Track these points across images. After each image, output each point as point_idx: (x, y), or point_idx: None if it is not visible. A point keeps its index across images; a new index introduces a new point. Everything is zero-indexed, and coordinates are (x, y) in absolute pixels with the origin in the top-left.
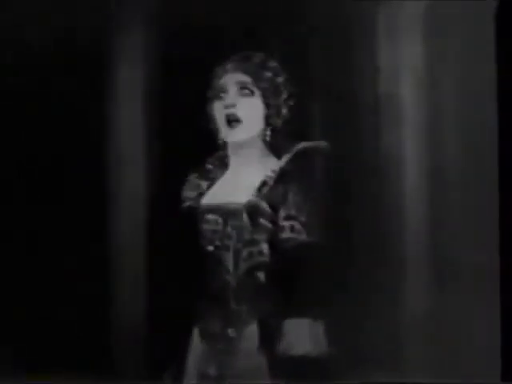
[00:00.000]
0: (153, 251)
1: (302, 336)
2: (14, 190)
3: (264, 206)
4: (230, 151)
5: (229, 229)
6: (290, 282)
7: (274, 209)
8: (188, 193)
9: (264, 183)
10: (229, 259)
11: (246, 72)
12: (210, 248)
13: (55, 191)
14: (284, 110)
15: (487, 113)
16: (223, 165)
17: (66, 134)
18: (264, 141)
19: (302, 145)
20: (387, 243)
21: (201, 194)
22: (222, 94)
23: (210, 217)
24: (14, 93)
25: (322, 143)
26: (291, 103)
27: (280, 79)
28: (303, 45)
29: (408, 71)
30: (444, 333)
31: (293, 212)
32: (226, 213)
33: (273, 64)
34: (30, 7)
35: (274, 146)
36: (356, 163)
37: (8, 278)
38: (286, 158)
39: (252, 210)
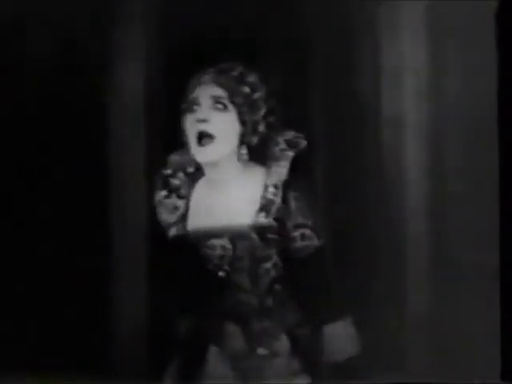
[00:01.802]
0: (153, 268)
1: (344, 339)
2: (14, 190)
3: (271, 221)
4: (204, 168)
5: (239, 251)
6: (311, 288)
7: (279, 221)
8: (166, 216)
9: (270, 201)
10: (244, 280)
11: (220, 85)
12: (221, 273)
13: (55, 197)
14: (261, 127)
15: (488, 113)
16: (191, 180)
17: (65, 138)
18: (241, 159)
19: (294, 151)
20: (387, 243)
21: (183, 217)
22: (195, 107)
23: (215, 242)
24: (13, 92)
25: (300, 139)
26: (271, 119)
27: (258, 94)
28: (304, 45)
29: (408, 71)
30: (444, 333)
31: (299, 220)
32: (233, 235)
33: (251, 79)
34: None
35: (257, 154)
36: (356, 163)
37: (8, 278)
38: (283, 170)
39: (260, 229)
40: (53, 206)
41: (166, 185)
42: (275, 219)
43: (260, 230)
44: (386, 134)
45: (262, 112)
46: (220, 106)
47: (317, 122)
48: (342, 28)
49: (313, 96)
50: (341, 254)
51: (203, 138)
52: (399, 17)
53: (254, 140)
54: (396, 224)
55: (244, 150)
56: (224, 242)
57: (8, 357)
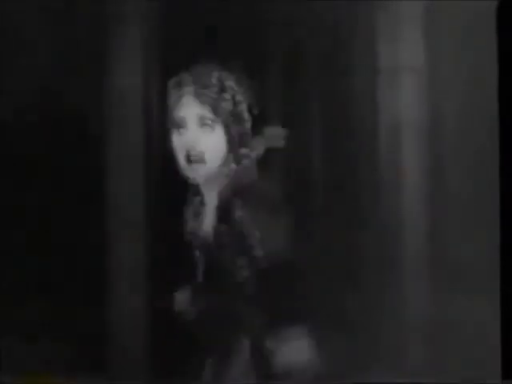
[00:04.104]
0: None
1: (299, 349)
2: (13, 189)
3: (223, 229)
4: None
5: (207, 256)
6: (273, 296)
7: (231, 228)
8: (191, 224)
9: (224, 210)
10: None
11: (204, 103)
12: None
13: (53, 197)
14: (243, 127)
15: (488, 113)
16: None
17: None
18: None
19: (242, 165)
20: (387, 243)
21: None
22: (182, 128)
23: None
24: (13, 91)
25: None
26: (251, 112)
27: (239, 97)
28: (302, 45)
29: (408, 72)
30: (444, 333)
31: (244, 230)
32: (201, 242)
33: (229, 82)
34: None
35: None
36: (355, 163)
37: (7, 277)
38: (228, 179)
39: (216, 237)
40: (50, 206)
41: (198, 193)
42: (228, 227)
43: (216, 237)
44: (384, 135)
45: (242, 108)
46: (207, 126)
47: (314, 122)
48: (340, 28)
49: (310, 96)
50: (339, 254)
51: (192, 158)
52: (398, 16)
53: (240, 145)
54: (395, 224)
55: (232, 160)
56: (197, 246)
57: (7, 356)
